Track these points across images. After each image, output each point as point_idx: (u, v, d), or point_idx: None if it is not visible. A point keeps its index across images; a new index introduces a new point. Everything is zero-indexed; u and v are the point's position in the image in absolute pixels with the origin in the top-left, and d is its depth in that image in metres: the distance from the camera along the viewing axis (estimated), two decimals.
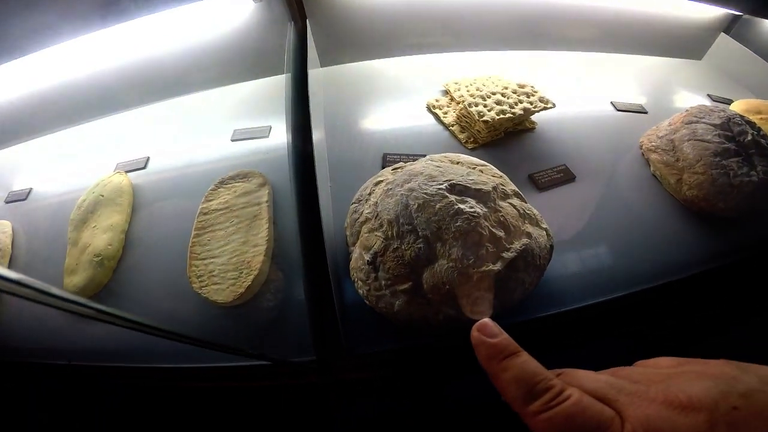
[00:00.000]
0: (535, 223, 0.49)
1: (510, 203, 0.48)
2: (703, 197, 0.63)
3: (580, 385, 0.22)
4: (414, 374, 0.54)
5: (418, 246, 0.46)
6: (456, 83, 0.75)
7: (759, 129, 0.68)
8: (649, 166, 0.70)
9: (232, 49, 0.74)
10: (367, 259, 0.48)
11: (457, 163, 0.53)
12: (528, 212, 0.49)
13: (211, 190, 0.60)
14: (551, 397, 0.21)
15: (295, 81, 0.62)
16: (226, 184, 0.61)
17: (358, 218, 0.52)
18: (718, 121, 0.67)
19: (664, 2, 0.95)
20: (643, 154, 0.72)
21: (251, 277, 0.52)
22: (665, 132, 0.70)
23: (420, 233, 0.46)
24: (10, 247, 0.57)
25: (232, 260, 0.54)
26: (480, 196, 0.47)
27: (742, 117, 0.68)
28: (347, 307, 0.52)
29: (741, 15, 0.96)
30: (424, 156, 0.65)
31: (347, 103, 0.76)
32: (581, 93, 0.85)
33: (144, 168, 0.65)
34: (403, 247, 0.46)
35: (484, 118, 0.65)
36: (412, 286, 0.45)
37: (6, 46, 0.51)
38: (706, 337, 0.69)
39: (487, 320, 0.25)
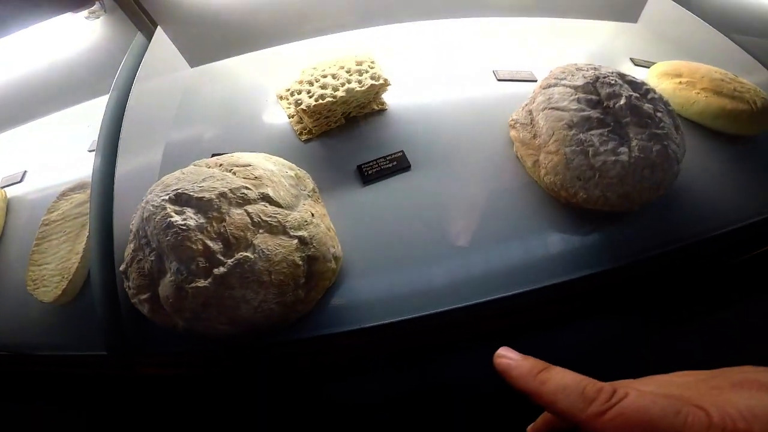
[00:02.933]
0: (281, 231, 0.43)
1: (246, 210, 0.43)
2: (560, 184, 0.49)
3: (628, 386, 0.20)
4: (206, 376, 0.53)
5: (152, 258, 0.44)
6: (314, 68, 0.67)
7: (648, 91, 0.51)
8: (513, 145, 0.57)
9: (90, 65, 0.76)
10: (121, 269, 0.47)
11: (219, 165, 0.48)
12: (271, 220, 0.43)
13: (53, 201, 0.64)
14: (608, 396, 0.19)
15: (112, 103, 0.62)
16: (66, 195, 0.64)
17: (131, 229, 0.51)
18: (580, 82, 0.50)
19: None
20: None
21: (66, 282, 0.55)
22: (527, 101, 0.55)
23: (152, 246, 0.44)
24: None
25: (59, 266, 0.57)
26: (201, 205, 0.43)
27: (622, 76, 0.51)
28: None
29: None
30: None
31: (207, 106, 0.73)
32: (465, 63, 0.72)
33: (21, 181, 0.72)
34: (143, 258, 0.45)
35: (302, 106, 0.58)
36: (151, 296, 0.44)
37: None
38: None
39: (504, 348, 0.24)
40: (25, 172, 0.73)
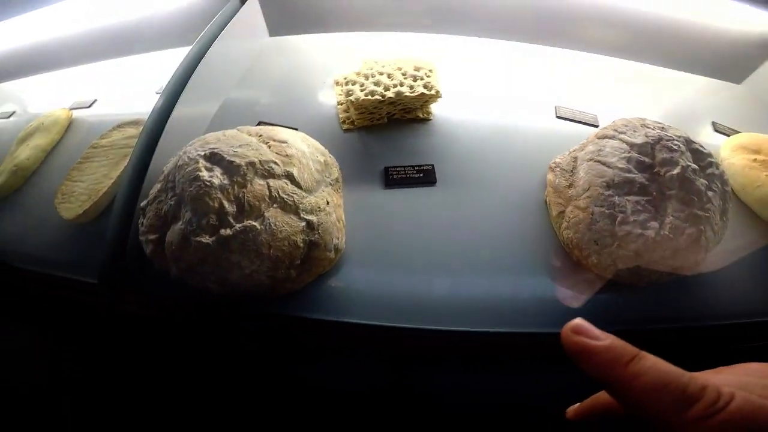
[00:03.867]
0: (292, 210, 0.46)
1: (268, 183, 0.46)
2: (576, 243, 0.48)
3: (726, 383, 0.18)
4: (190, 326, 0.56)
5: (170, 202, 0.47)
6: (375, 62, 0.70)
7: (710, 165, 0.48)
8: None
9: (190, 15, 0.82)
10: (141, 204, 0.51)
11: (259, 135, 0.51)
12: (287, 198, 0.46)
13: (108, 130, 0.70)
14: (713, 398, 0.17)
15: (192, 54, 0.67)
16: (120, 127, 0.70)
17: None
18: (639, 140, 0.48)
19: (706, 9, 0.74)
20: None
21: (90, 202, 0.60)
22: (577, 147, 0.54)
23: (176, 191, 0.47)
24: None
25: (90, 187, 0.63)
26: (230, 168, 0.46)
27: (688, 142, 0.49)
28: None
29: None
30: (295, 129, 0.65)
31: (271, 75, 0.78)
32: (529, 92, 0.72)
33: (88, 107, 0.79)
34: (164, 200, 0.49)
35: (351, 97, 0.60)
36: (158, 238, 0.48)
37: None
38: None
39: (580, 321, 0.21)
40: (95, 100, 0.81)
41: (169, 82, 0.65)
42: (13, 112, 0.84)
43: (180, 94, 0.63)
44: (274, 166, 0.47)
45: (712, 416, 0.16)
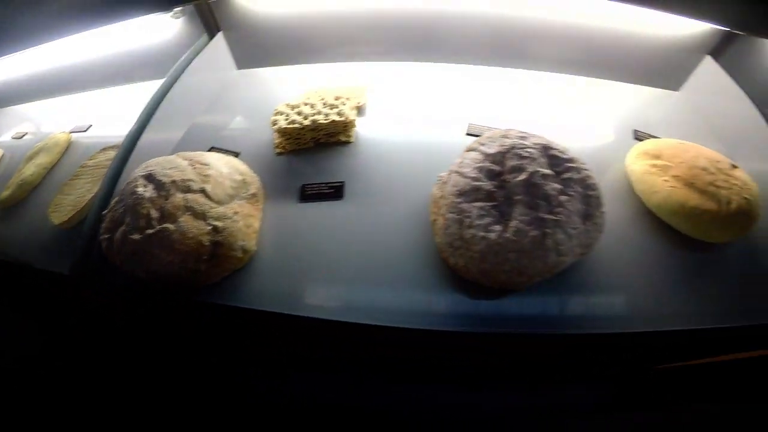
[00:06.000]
0: (201, 217, 0.61)
1: (185, 197, 0.62)
2: (440, 247, 0.59)
3: None
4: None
5: (121, 210, 0.64)
6: (315, 92, 0.86)
7: (569, 170, 0.56)
8: None
9: (160, 53, 1.03)
10: (103, 213, 0.69)
11: (190, 159, 0.68)
12: (198, 208, 0.61)
13: (96, 152, 0.91)
14: None
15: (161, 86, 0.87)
16: (104, 150, 0.90)
17: None
18: (493, 150, 0.58)
19: (639, 18, 0.81)
20: None
21: (74, 211, 0.79)
22: (458, 159, 0.65)
23: (123, 203, 0.64)
24: None
25: (76, 199, 0.83)
26: (159, 185, 0.62)
27: (546, 149, 0.57)
28: None
29: (734, 34, 0.74)
30: (238, 153, 0.81)
31: (233, 104, 0.96)
32: (449, 111, 0.84)
33: (85, 131, 1.01)
34: (116, 209, 0.66)
35: (275, 127, 0.76)
36: (110, 237, 0.65)
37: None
38: None
39: None
40: (91, 125, 1.02)
41: (144, 109, 0.84)
42: (26, 134, 1.08)
43: (148, 122, 0.82)
44: (191, 183, 0.63)
45: None
